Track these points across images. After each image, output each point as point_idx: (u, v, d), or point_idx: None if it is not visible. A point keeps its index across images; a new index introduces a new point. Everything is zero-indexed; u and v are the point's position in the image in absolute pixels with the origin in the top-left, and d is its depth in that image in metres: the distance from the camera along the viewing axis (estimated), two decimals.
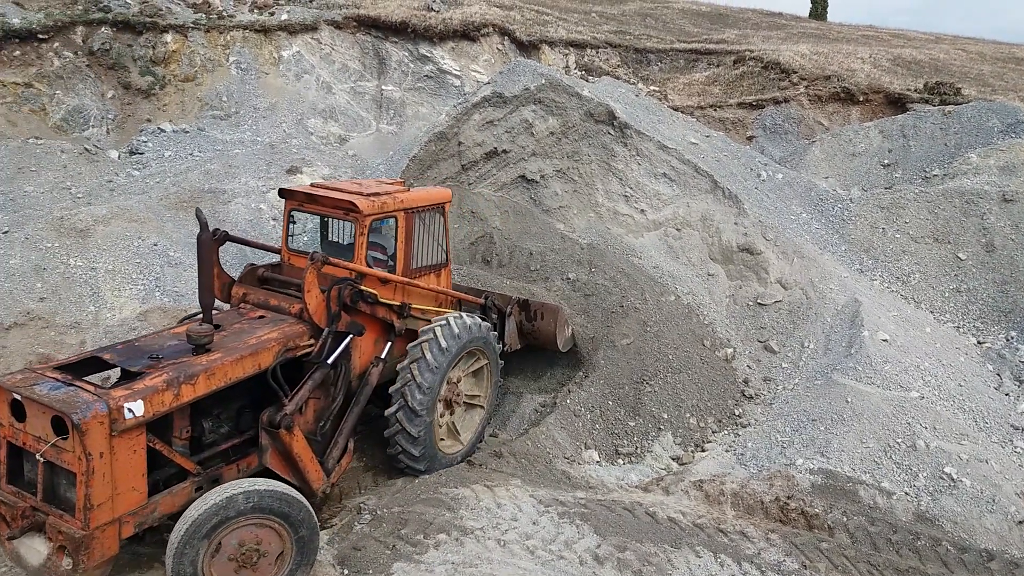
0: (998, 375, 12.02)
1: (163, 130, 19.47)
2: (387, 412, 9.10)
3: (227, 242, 8.95)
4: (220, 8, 24.65)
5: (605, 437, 10.88)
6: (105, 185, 16.03)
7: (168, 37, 22.21)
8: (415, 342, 9.18)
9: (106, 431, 6.11)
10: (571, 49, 26.81)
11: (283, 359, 7.68)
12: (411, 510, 8.46)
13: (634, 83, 23.97)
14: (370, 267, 9.02)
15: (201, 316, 7.70)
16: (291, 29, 24.33)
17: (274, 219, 15.38)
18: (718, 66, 25.85)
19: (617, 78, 22.88)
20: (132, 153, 18.35)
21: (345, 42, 25.03)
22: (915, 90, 21.04)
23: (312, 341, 8.14)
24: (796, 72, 22.34)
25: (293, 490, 6.93)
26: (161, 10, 22.85)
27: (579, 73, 25.07)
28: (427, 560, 7.70)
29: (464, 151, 15.38)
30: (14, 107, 18.58)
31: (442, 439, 9.72)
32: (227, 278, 8.95)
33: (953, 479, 9.38)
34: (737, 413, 11.42)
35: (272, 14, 25.01)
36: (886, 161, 17.56)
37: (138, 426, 6.39)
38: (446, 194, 10.37)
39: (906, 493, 9.33)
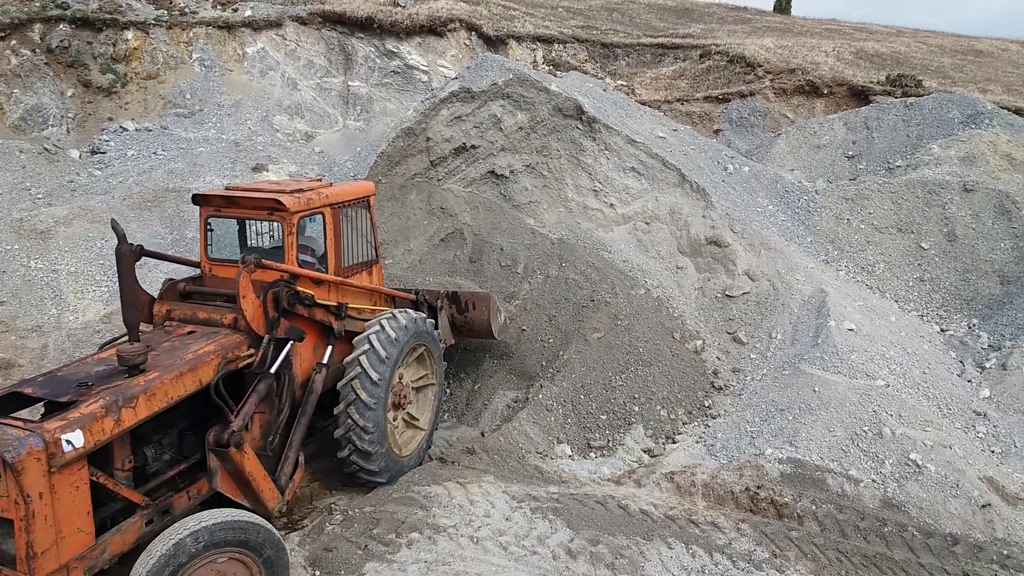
0: (960, 362, 12.26)
1: (125, 129, 19.12)
2: (336, 409, 8.65)
3: (143, 256, 8.03)
4: (182, 4, 24.25)
5: (577, 431, 10.91)
6: (66, 185, 15.70)
7: (129, 34, 21.80)
8: (361, 335, 8.86)
9: (44, 468, 5.52)
10: (538, 44, 26.77)
11: (224, 372, 7.26)
12: (383, 509, 8.42)
13: (602, 78, 24.02)
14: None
15: (127, 338, 7.01)
16: (255, 25, 24.01)
17: None
18: (684, 60, 25.96)
19: (585, 73, 22.90)
20: (94, 152, 17.99)
21: (310, 38, 24.77)
22: (878, 82, 21.32)
23: (252, 351, 7.71)
24: (761, 66, 22.52)
25: (245, 513, 6.55)
26: (121, 6, 22.43)
27: (547, 68, 25.06)
28: (400, 559, 7.67)
29: (432, 147, 15.29)
30: None
31: (400, 435, 9.49)
32: (146, 296, 8.20)
33: (918, 465, 9.54)
34: (707, 404, 11.52)
35: (235, 10, 24.65)
36: (850, 153, 17.79)
37: (79, 459, 5.82)
38: (369, 187, 10.06)
39: (873, 480, 9.47)
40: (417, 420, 9.94)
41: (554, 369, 11.84)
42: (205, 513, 6.33)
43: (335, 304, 8.82)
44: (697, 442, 10.65)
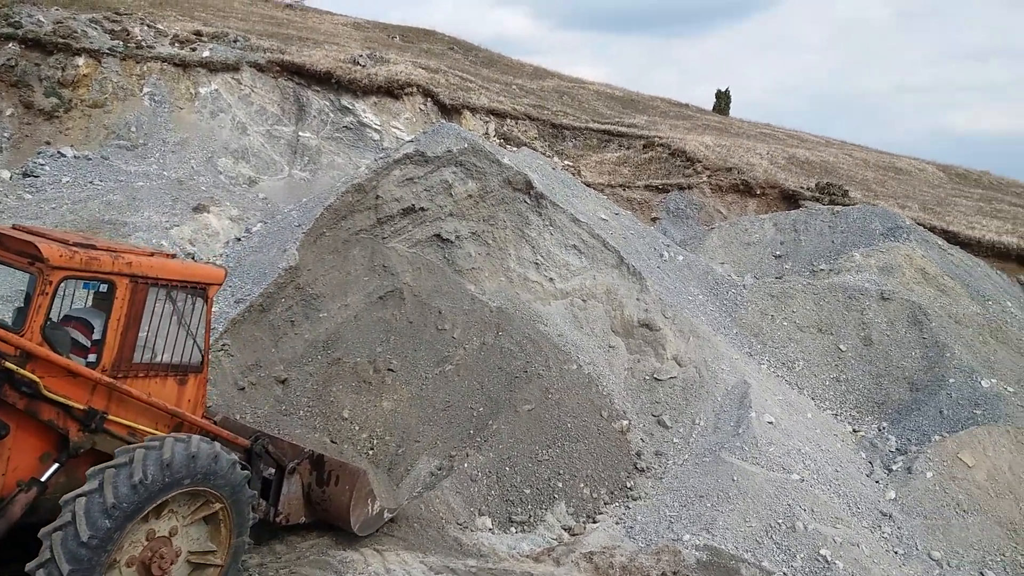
0: (870, 463, 12.78)
1: (63, 155, 18.68)
2: (28, 566, 5.90)
3: None
4: (140, 38, 24.13)
5: (500, 504, 10.85)
6: None
7: (80, 60, 21.54)
8: (99, 466, 6.22)
9: None
10: (492, 117, 27.52)
11: None
12: (297, 571, 8.16)
13: (550, 156, 24.75)
14: (54, 348, 6.40)
15: None
16: (212, 67, 24.03)
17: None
18: (628, 148, 27.08)
19: (534, 149, 23.57)
20: (26, 175, 17.48)
21: (266, 85, 24.88)
22: (807, 188, 22.62)
23: None
24: (700, 161, 23.66)
25: None
26: (76, 32, 22.18)
27: (498, 141, 25.71)
28: None
29: (381, 205, 15.39)
30: None
31: None
32: None
33: (828, 561, 9.82)
34: (629, 486, 11.64)
35: (194, 49, 24.66)
36: (778, 252, 18.69)
37: None
38: (216, 274, 7.90)
39: (784, 573, 9.69)
40: (213, 553, 7.06)
41: (482, 438, 11.81)
42: None
43: (83, 408, 6.49)
44: (617, 523, 10.73)
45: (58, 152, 18.65)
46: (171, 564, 6.67)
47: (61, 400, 6.35)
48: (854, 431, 13.64)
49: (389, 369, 12.81)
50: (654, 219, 22.03)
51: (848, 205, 20.57)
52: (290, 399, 11.79)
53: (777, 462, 11.40)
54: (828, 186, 22.91)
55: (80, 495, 5.99)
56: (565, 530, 10.73)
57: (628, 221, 17.86)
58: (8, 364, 5.99)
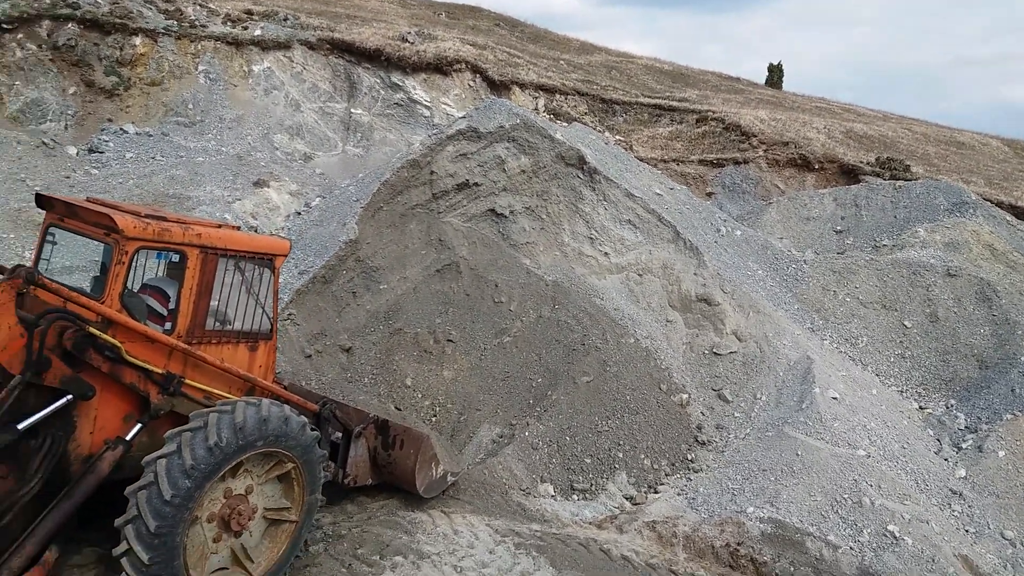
0: (938, 440, 12.50)
1: (125, 131, 19.07)
2: (116, 522, 6.24)
3: None
4: (193, 17, 24.46)
5: (561, 472, 10.89)
6: (63, 181, 15.57)
7: (137, 40, 21.89)
8: (176, 429, 6.51)
9: None
10: (541, 92, 27.35)
11: None
12: (368, 530, 8.31)
13: (601, 131, 24.52)
14: (132, 315, 6.70)
15: None
16: (264, 45, 24.26)
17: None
18: (681, 123, 26.68)
19: (585, 124, 23.39)
20: (91, 151, 17.90)
21: (317, 63, 25.06)
22: (867, 163, 22.06)
23: None
24: (756, 136, 23.21)
25: None
26: (132, 12, 22.54)
27: (548, 116, 25.56)
28: None
29: (436, 180, 15.44)
30: None
31: (218, 570, 6.88)
32: None
33: (896, 537, 9.65)
34: (690, 458, 11.58)
35: (245, 28, 24.92)
36: (839, 228, 18.29)
37: None
38: (282, 245, 8.05)
39: (851, 548, 9.55)
40: (250, 562, 7.10)
41: (541, 408, 11.85)
42: None
43: (161, 372, 6.79)
44: (679, 494, 10.68)
45: (120, 129, 19.04)
46: (248, 520, 6.96)
47: (141, 364, 6.62)
48: (920, 408, 13.35)
49: (448, 340, 12.89)
50: (709, 194, 21.73)
51: (910, 180, 20.02)
52: (355, 367, 11.95)
53: (842, 437, 11.21)
54: (889, 160, 22.32)
55: (161, 457, 6.28)
56: (627, 499, 10.73)
57: (683, 196, 17.64)
58: (92, 329, 6.25)
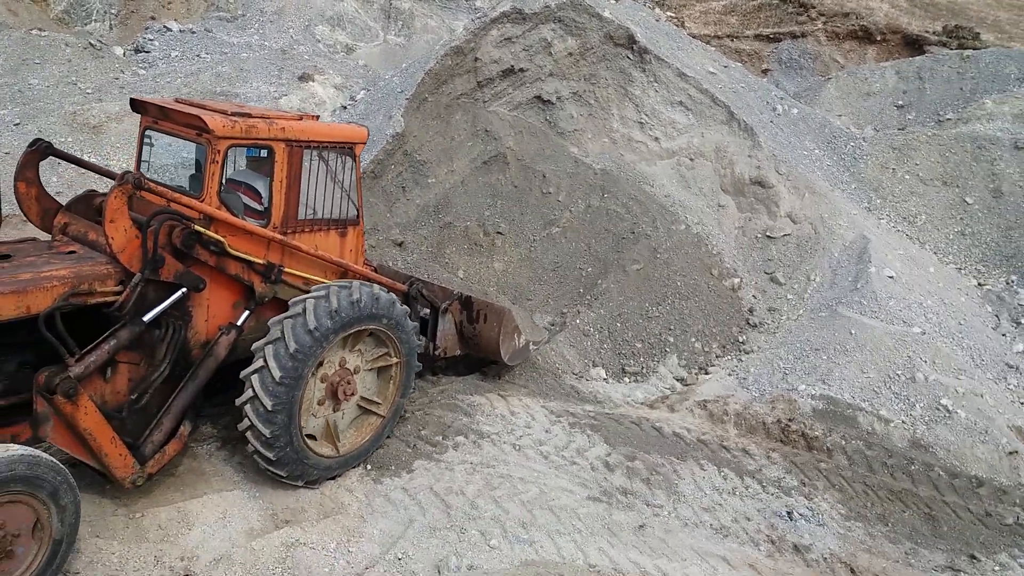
0: (996, 316, 12.34)
1: (169, 29, 19.02)
2: (237, 401, 7.03)
3: (49, 156, 7.31)
4: None
5: (612, 356, 11.15)
6: (113, 82, 15.74)
7: None
8: (277, 317, 7.07)
9: None
10: None
11: (65, 305, 5.94)
12: (430, 413, 8.73)
13: (651, 7, 23.51)
14: (230, 210, 7.10)
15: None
16: None
17: None
18: None
19: (635, 1, 22.43)
20: (138, 51, 17.97)
21: None
22: (933, 32, 20.82)
23: (120, 288, 6.37)
24: (815, 7, 21.98)
25: (25, 449, 5.44)
26: None
27: None
28: (447, 459, 8.01)
29: (480, 67, 15.13)
30: None
31: (312, 437, 7.51)
32: (51, 203, 7.23)
33: (949, 410, 9.74)
34: (741, 340, 11.71)
35: None
36: (900, 102, 17.52)
37: None
38: (359, 133, 8.24)
39: (903, 421, 9.69)
40: (378, 404, 8.01)
41: (592, 296, 12.01)
42: None
43: (262, 263, 7.23)
44: (730, 375, 10.87)
45: (164, 27, 19.01)
46: (350, 396, 7.69)
47: (244, 256, 7.09)
48: (979, 285, 13.10)
49: (498, 232, 13.00)
50: (765, 71, 20.86)
51: (979, 49, 18.86)
52: (408, 261, 12.19)
53: (897, 315, 11.16)
54: (957, 29, 21.00)
55: (268, 343, 6.89)
56: (678, 380, 10.98)
57: (738, 74, 16.99)
58: (198, 227, 6.67)
